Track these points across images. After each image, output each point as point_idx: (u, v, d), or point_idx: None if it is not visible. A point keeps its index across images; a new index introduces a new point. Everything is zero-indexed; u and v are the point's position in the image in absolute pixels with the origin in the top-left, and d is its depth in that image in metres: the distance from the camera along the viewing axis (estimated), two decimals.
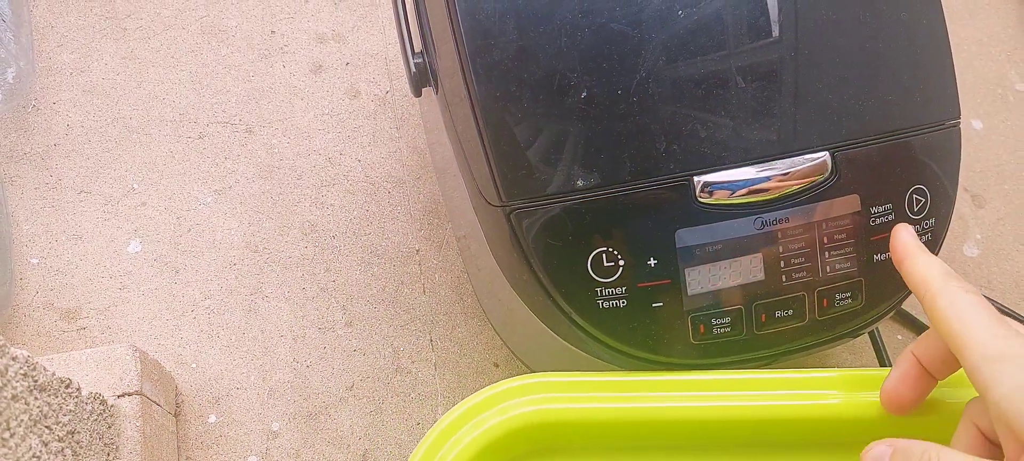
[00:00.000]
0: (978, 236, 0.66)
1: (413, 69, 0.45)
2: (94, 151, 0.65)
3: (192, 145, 0.66)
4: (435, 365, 0.60)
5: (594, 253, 0.38)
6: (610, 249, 0.38)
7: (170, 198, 0.64)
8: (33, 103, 0.67)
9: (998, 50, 0.76)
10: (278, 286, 0.62)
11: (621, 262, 0.38)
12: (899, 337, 0.62)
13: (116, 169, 0.65)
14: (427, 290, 0.63)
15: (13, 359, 0.36)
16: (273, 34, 0.71)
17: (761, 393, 0.37)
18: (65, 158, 0.65)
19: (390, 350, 0.60)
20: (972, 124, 0.71)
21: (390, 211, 0.65)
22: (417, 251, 0.64)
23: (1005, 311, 0.59)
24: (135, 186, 0.64)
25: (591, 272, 0.38)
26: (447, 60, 0.40)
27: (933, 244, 0.42)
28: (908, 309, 0.62)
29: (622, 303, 0.38)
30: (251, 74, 0.69)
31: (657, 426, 0.37)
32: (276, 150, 0.67)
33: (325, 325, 0.61)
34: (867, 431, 0.36)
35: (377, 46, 0.72)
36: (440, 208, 0.66)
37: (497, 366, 0.60)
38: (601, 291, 0.38)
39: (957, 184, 0.42)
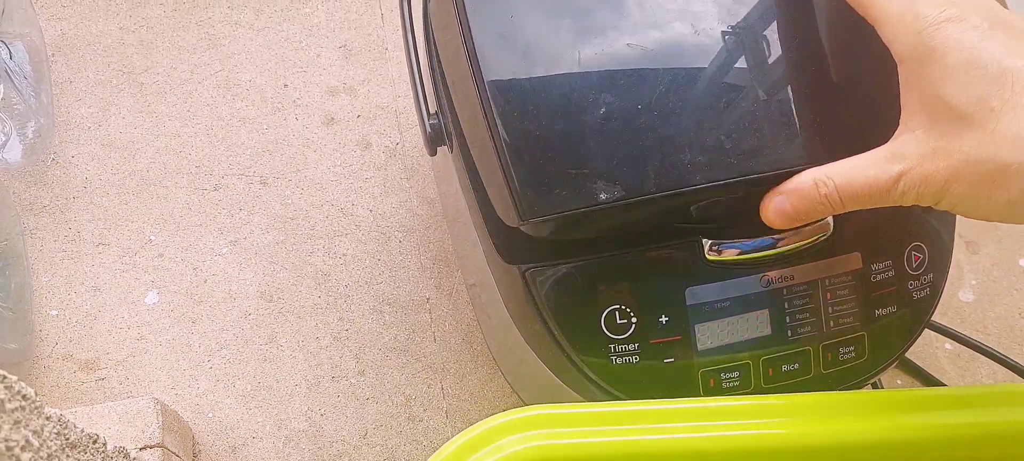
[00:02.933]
0: (973, 281, 0.68)
1: (429, 129, 0.47)
2: (112, 204, 0.67)
3: (208, 197, 0.68)
4: (446, 413, 0.61)
5: (607, 311, 0.40)
6: (623, 307, 0.40)
7: (186, 249, 0.66)
8: (52, 157, 0.69)
9: None
10: (292, 335, 0.63)
11: (634, 319, 0.40)
12: (899, 382, 0.63)
13: (133, 221, 0.67)
14: (438, 338, 0.64)
15: (48, 419, 0.37)
16: (286, 88, 0.73)
17: (774, 420, 0.35)
18: (83, 211, 0.67)
19: (402, 398, 0.61)
20: None
21: (401, 260, 0.67)
22: (428, 299, 0.65)
23: (998, 357, 0.60)
24: (152, 238, 0.66)
25: (605, 329, 0.40)
26: (470, 126, 0.42)
27: (932, 296, 0.43)
28: (910, 357, 0.63)
29: (635, 359, 0.40)
30: (265, 127, 0.71)
31: (669, 458, 0.34)
32: (290, 201, 0.68)
33: (338, 374, 0.62)
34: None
35: (387, 99, 0.74)
36: (450, 256, 0.67)
37: None
38: (614, 347, 0.40)
39: (954, 238, 0.44)
